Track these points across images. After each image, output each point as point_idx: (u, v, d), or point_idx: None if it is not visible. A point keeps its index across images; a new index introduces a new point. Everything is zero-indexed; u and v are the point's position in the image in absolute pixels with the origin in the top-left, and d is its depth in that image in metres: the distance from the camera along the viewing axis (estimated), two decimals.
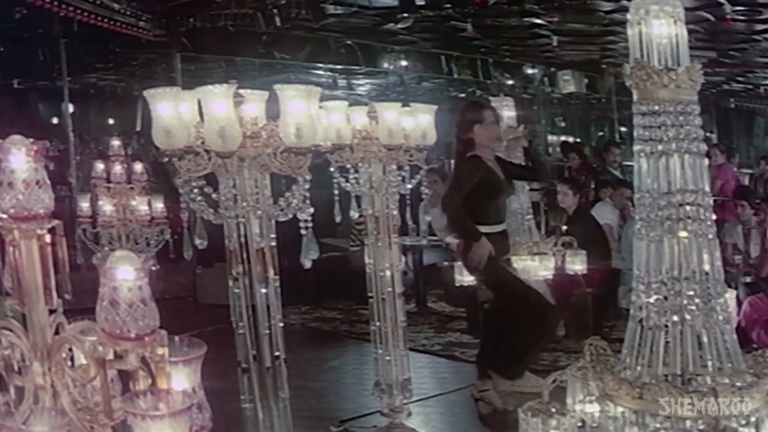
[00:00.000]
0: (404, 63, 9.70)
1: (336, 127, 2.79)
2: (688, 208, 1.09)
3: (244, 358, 2.58)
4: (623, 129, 11.74)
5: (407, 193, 3.22)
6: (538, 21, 7.55)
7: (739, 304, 4.34)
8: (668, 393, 1.04)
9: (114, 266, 1.15)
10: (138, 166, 4.13)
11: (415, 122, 3.10)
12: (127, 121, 11.98)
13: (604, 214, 6.03)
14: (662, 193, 1.10)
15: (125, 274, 1.14)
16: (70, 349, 1.25)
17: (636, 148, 1.11)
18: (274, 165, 2.38)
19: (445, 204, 3.68)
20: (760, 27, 7.66)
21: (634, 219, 1.34)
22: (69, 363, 1.25)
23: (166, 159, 2.38)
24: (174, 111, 2.31)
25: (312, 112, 2.34)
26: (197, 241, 2.56)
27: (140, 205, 3.96)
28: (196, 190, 2.43)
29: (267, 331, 2.55)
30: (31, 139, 1.23)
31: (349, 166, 3.12)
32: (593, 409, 1.15)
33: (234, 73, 9.18)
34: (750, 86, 12.68)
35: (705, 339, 1.09)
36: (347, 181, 3.14)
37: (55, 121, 11.35)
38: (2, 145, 1.20)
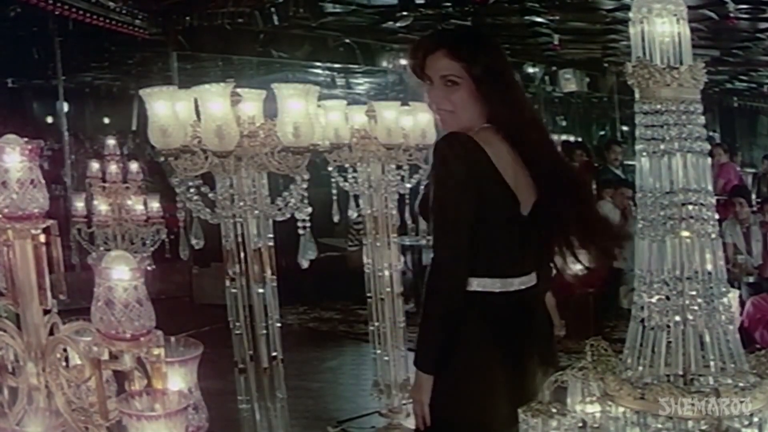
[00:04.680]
0: (403, 61, 9.68)
1: (334, 126, 2.78)
2: (690, 207, 1.08)
3: (241, 358, 2.57)
4: (625, 128, 11.74)
5: (406, 192, 3.21)
6: (539, 19, 7.55)
7: (742, 304, 4.35)
8: (670, 393, 1.03)
9: (109, 266, 1.13)
10: (134, 166, 4.12)
11: (414, 121, 3.09)
12: (123, 120, 11.97)
13: (603, 211, 6.04)
14: (664, 192, 1.08)
15: (121, 274, 1.13)
16: (65, 350, 1.24)
17: (638, 147, 1.10)
18: (271, 164, 2.37)
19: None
20: (763, 25, 7.67)
21: (635, 219, 1.33)
22: (63, 363, 1.23)
23: (163, 158, 2.37)
24: (170, 110, 2.30)
25: (310, 111, 2.32)
26: (194, 241, 2.55)
27: (136, 204, 3.94)
28: (192, 190, 2.42)
29: (264, 332, 2.54)
30: (26, 139, 1.22)
31: (347, 165, 3.11)
32: (594, 409, 1.14)
33: (231, 71, 9.18)
34: (753, 85, 12.70)
35: (707, 339, 1.08)
36: (346, 180, 3.13)
37: (49, 120, 11.32)
38: None
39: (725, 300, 1.08)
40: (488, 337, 1.80)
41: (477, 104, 1.81)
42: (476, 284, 1.79)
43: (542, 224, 1.82)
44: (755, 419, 1.03)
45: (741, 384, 1.04)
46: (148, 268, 3.35)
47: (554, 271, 1.93)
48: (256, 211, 2.46)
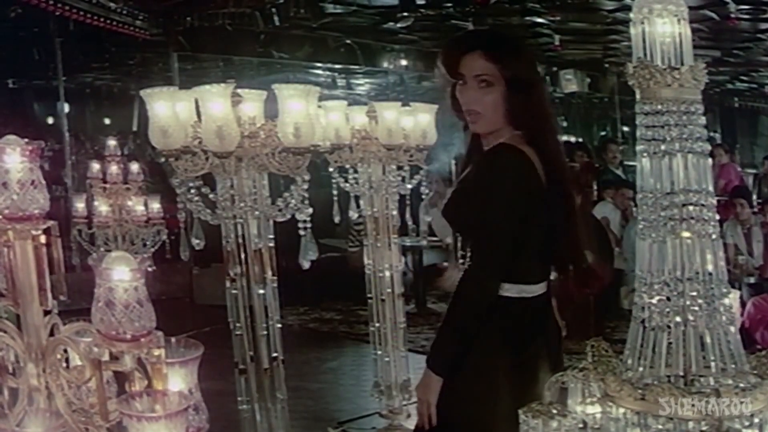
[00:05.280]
0: (404, 62, 9.68)
1: (335, 126, 2.78)
2: (691, 208, 1.07)
3: (242, 359, 2.57)
4: (626, 128, 11.74)
5: (407, 193, 3.21)
6: (540, 20, 7.55)
7: (743, 305, 4.35)
8: (670, 394, 1.02)
9: (110, 267, 1.13)
10: (134, 166, 4.13)
11: (415, 122, 3.09)
12: (124, 120, 11.97)
13: (604, 212, 6.05)
14: (665, 193, 1.08)
15: (121, 275, 1.13)
16: (65, 351, 1.24)
17: (639, 147, 1.10)
18: (272, 165, 2.37)
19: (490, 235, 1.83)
20: (764, 26, 7.67)
21: (636, 219, 1.33)
22: (64, 364, 1.23)
23: (163, 159, 2.37)
24: (171, 111, 2.30)
25: (311, 112, 2.32)
26: (194, 242, 2.55)
27: (136, 205, 3.95)
28: (193, 191, 2.42)
29: (264, 332, 2.54)
30: (26, 139, 1.22)
31: (348, 166, 3.11)
32: (595, 410, 1.14)
33: (232, 72, 9.17)
34: (754, 85, 12.69)
35: (708, 340, 1.07)
36: (346, 181, 3.13)
37: (50, 120, 11.33)
38: None
39: (726, 301, 1.08)
40: (507, 342, 1.82)
41: (506, 108, 1.82)
42: (512, 290, 1.82)
43: (557, 231, 1.86)
44: (756, 420, 1.03)
45: (742, 385, 1.04)
46: (149, 269, 3.35)
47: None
48: (257, 212, 2.46)
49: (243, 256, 2.49)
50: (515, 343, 1.82)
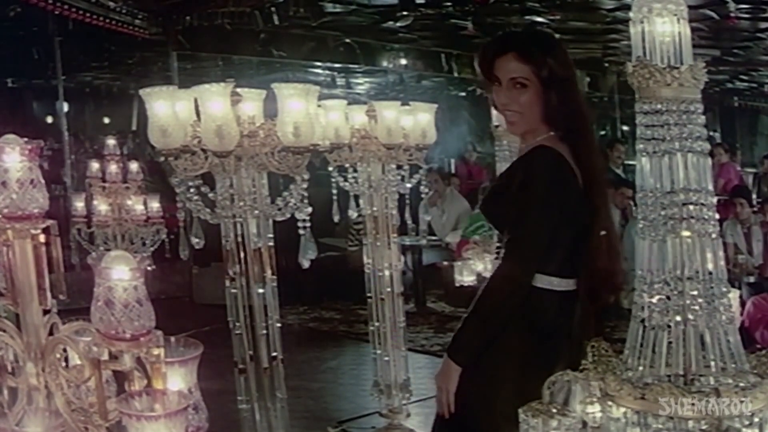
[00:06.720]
0: (404, 61, 9.69)
1: (334, 126, 2.78)
2: (691, 207, 1.08)
3: (241, 358, 2.57)
4: (625, 128, 11.74)
5: (406, 192, 3.21)
6: (540, 19, 7.56)
7: (743, 304, 4.35)
8: (670, 393, 1.02)
9: (109, 266, 1.13)
10: (134, 166, 4.12)
11: (415, 121, 3.08)
12: (123, 120, 11.98)
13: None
14: (665, 192, 1.08)
15: (120, 274, 1.13)
16: (65, 350, 1.24)
17: (638, 147, 1.10)
18: (271, 164, 2.37)
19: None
20: (764, 25, 7.68)
21: (636, 219, 1.33)
22: (63, 364, 1.23)
23: (162, 158, 2.36)
24: (170, 110, 2.30)
25: (310, 111, 2.32)
26: (194, 241, 2.54)
27: (136, 204, 3.94)
28: (192, 190, 2.41)
29: (264, 332, 2.54)
30: (26, 139, 1.22)
31: (347, 165, 3.11)
32: (595, 409, 1.14)
33: (231, 71, 9.17)
34: (754, 84, 12.71)
35: (708, 339, 1.07)
36: (346, 180, 3.13)
37: (49, 120, 11.32)
38: None
39: (726, 300, 1.08)
40: (530, 333, 1.84)
41: (542, 106, 1.85)
42: (541, 281, 1.84)
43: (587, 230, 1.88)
44: (756, 419, 1.03)
45: (741, 384, 1.03)
46: (148, 268, 3.34)
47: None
48: (256, 211, 2.45)
49: (242, 255, 2.49)
50: (538, 334, 1.84)
